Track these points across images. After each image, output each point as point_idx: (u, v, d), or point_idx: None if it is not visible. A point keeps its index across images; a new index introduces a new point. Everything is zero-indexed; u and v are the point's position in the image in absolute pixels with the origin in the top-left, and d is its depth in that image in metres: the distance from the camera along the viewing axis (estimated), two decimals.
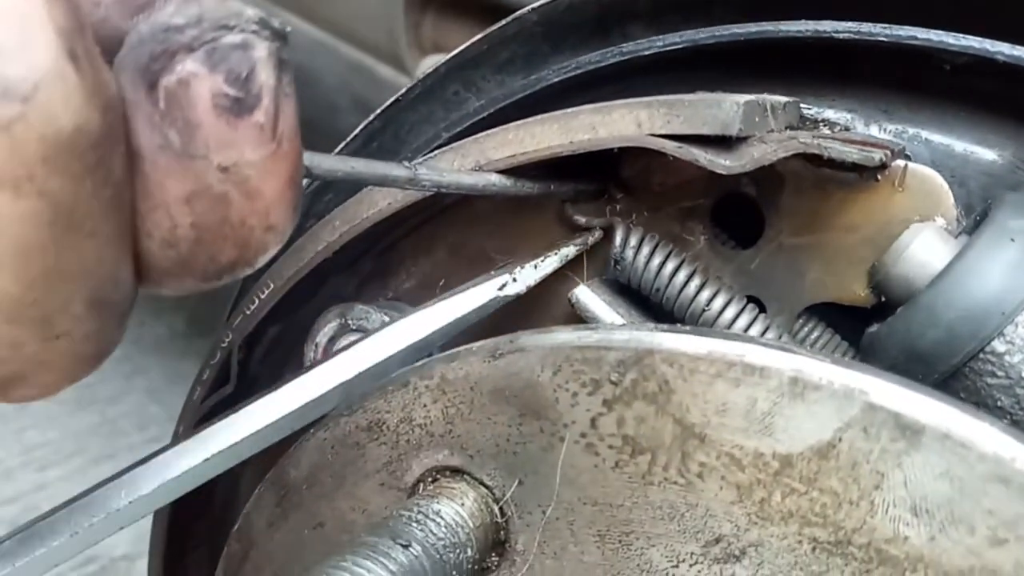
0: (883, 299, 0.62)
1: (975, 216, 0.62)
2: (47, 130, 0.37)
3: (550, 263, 0.65)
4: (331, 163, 0.51)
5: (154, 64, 0.40)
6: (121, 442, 2.03)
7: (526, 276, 0.63)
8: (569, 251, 0.66)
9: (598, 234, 0.67)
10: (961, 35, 0.63)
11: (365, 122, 0.82)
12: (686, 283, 0.63)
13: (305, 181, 0.48)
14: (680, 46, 0.69)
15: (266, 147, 0.41)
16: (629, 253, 0.64)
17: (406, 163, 0.57)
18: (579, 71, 0.73)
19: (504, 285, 0.62)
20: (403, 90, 0.80)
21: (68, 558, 0.52)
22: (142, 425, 2.07)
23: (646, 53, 0.70)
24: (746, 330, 0.61)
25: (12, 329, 0.40)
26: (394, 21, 1.61)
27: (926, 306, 0.58)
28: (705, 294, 0.63)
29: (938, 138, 0.65)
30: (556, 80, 0.74)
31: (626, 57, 0.71)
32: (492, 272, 0.63)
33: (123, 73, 0.41)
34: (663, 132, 0.58)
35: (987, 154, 0.65)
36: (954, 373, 0.58)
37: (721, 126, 0.57)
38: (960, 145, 0.65)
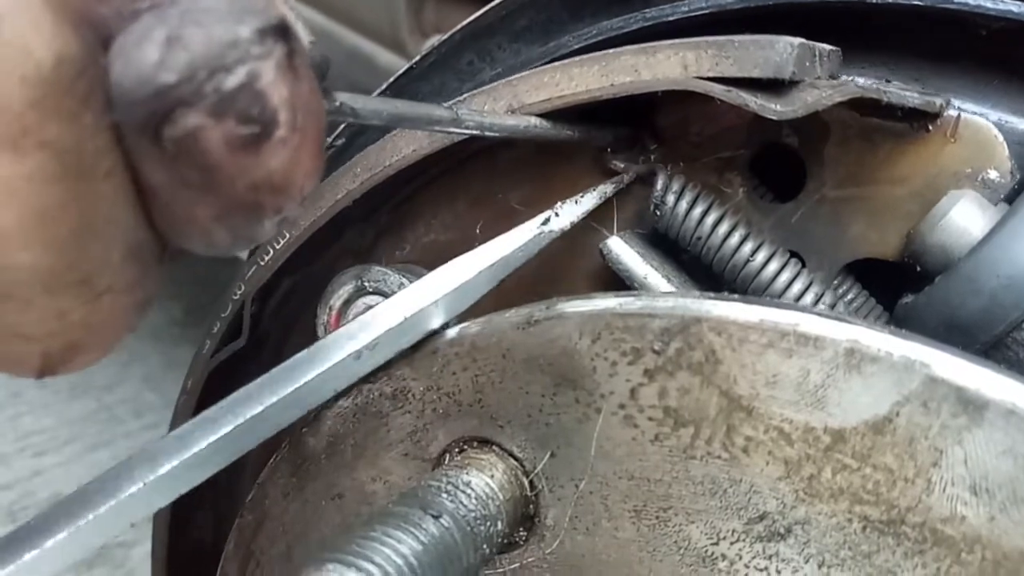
0: (918, 269, 0.56)
1: (1014, 185, 0.56)
2: (26, 69, 0.30)
3: (590, 199, 0.58)
4: (375, 104, 0.44)
5: (150, 120, 0.32)
6: (117, 429, 1.95)
7: (568, 211, 0.56)
8: (607, 188, 0.59)
9: (634, 174, 0.60)
10: None
11: (377, 92, 0.75)
12: (729, 234, 0.56)
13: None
14: (707, 11, 0.62)
15: (290, 147, 0.34)
16: (671, 198, 0.57)
17: (446, 105, 0.50)
18: (600, 38, 0.66)
19: (547, 220, 0.55)
20: (417, 58, 0.73)
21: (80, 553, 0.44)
22: (138, 412, 1.98)
23: (671, 18, 0.63)
24: (789, 285, 0.55)
25: (54, 300, 0.34)
26: (395, 4, 1.52)
27: (967, 274, 0.52)
28: (748, 246, 0.56)
29: (971, 107, 0.59)
30: (576, 47, 0.67)
31: (650, 23, 0.64)
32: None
33: (114, 114, 0.33)
34: (711, 75, 0.52)
35: (1022, 124, 0.58)
36: (995, 344, 0.52)
37: (774, 69, 0.51)
38: (994, 114, 0.59)
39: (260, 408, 0.45)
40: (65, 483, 1.82)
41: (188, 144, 0.32)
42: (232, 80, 0.32)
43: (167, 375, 2.01)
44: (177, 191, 0.34)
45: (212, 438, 0.44)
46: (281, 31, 0.33)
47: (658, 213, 0.57)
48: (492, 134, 0.53)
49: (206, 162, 0.33)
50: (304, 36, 0.39)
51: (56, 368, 0.36)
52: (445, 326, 0.51)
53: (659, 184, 0.57)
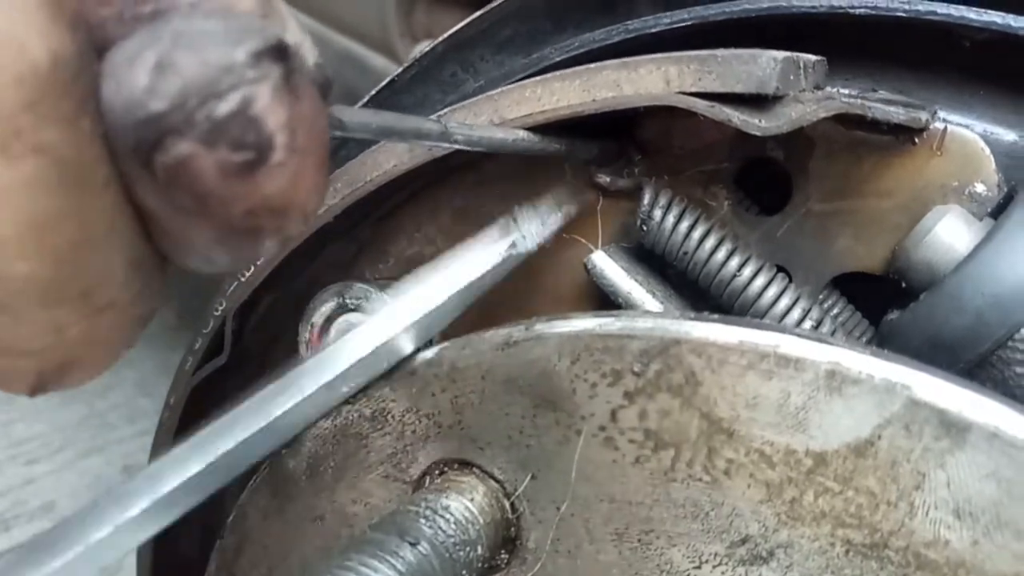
0: (903, 285, 0.55)
1: (1000, 198, 0.55)
2: (21, 67, 0.28)
3: (556, 219, 0.57)
4: (363, 117, 0.43)
5: (141, 146, 0.31)
6: (110, 435, 1.92)
7: (534, 231, 0.55)
8: (571, 210, 0.59)
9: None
10: (983, 10, 0.56)
11: (359, 104, 0.74)
12: (716, 249, 0.56)
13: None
14: (689, 22, 0.62)
15: (289, 170, 0.33)
16: (657, 213, 0.56)
17: (434, 118, 0.49)
18: (583, 50, 0.66)
19: (514, 244, 0.54)
20: (399, 70, 0.73)
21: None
22: (132, 418, 1.95)
23: (653, 30, 0.63)
24: (776, 301, 0.54)
25: (51, 313, 0.32)
26: (385, 8, 1.52)
27: (952, 292, 0.51)
28: (735, 262, 0.55)
29: (956, 118, 0.58)
30: (559, 59, 0.67)
31: (632, 35, 0.64)
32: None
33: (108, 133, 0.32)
34: (693, 90, 0.51)
35: (1007, 135, 0.58)
36: (980, 362, 0.51)
37: (757, 84, 0.50)
38: (979, 126, 0.58)
39: (232, 444, 0.44)
40: (57, 491, 1.80)
41: (179, 172, 0.31)
42: (224, 107, 0.31)
43: (160, 380, 1.99)
44: (172, 216, 0.33)
45: (183, 477, 0.43)
46: (279, 52, 0.32)
47: (644, 228, 0.57)
48: (480, 148, 0.52)
49: (199, 189, 0.32)
50: (311, 55, 0.38)
51: (50, 385, 0.35)
52: (417, 351, 0.50)
53: (646, 199, 0.56)
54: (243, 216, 0.33)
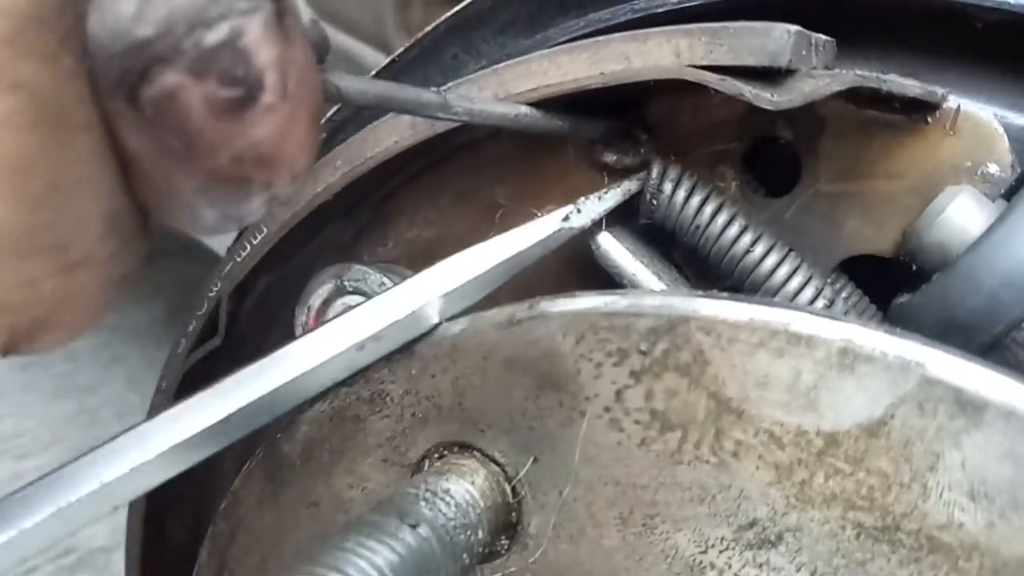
0: (914, 268, 0.54)
1: (1013, 179, 0.54)
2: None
3: (613, 196, 0.56)
4: (360, 84, 0.43)
5: (127, 78, 0.31)
6: (100, 431, 1.90)
7: (590, 208, 0.53)
8: (631, 185, 0.57)
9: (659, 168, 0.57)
10: None
11: None
12: (728, 224, 0.54)
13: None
14: (696, 2, 0.61)
15: (279, 116, 0.33)
16: (667, 187, 0.55)
17: (434, 89, 0.48)
18: (587, 30, 0.65)
19: (568, 216, 0.53)
20: (400, 50, 0.72)
21: (44, 545, 0.42)
22: (121, 414, 1.93)
23: (660, 10, 0.62)
24: (789, 279, 0.53)
25: (23, 265, 0.31)
26: (381, 2, 1.51)
27: (965, 273, 0.51)
28: (747, 237, 0.54)
29: (967, 102, 0.57)
30: (563, 40, 0.66)
31: (638, 15, 0.63)
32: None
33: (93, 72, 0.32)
34: (704, 63, 0.50)
35: (1019, 119, 0.57)
36: (993, 344, 0.50)
37: (770, 57, 0.49)
38: (990, 110, 0.57)
39: (257, 395, 0.44)
40: None
41: (167, 105, 0.31)
42: (212, 36, 0.30)
43: (150, 376, 1.96)
44: (157, 159, 0.33)
45: (206, 423, 0.43)
46: None
47: (654, 203, 0.56)
48: (480, 122, 0.51)
49: (186, 126, 0.31)
50: (305, 12, 0.37)
51: (22, 345, 0.34)
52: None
53: (655, 172, 0.55)
54: (230, 163, 0.32)
